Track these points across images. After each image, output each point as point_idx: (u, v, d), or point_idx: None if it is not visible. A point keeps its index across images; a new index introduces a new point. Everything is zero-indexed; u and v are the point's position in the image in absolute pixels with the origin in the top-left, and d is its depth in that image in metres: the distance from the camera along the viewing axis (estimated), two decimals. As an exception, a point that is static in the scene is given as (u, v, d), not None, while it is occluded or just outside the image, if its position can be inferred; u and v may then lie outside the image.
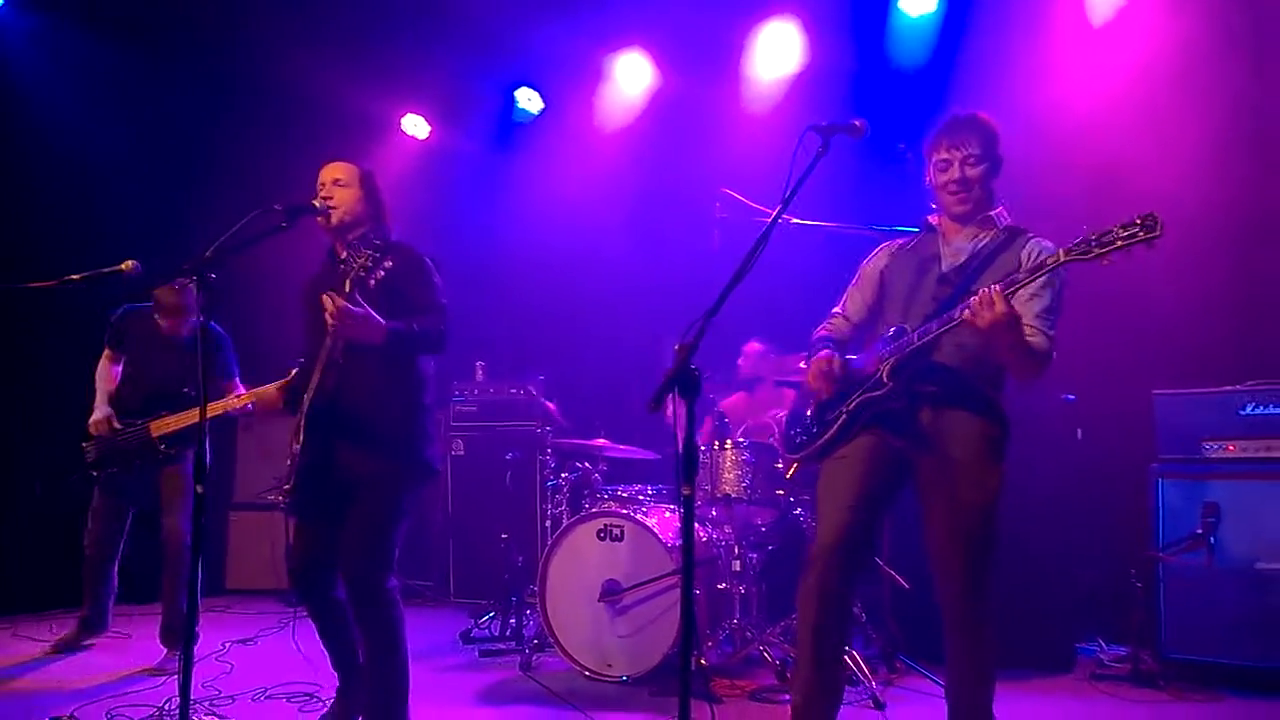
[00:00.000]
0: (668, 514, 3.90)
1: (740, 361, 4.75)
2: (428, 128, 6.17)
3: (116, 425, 3.98)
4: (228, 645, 4.28)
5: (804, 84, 5.22)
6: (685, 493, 1.92)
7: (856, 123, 2.31)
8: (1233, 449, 3.62)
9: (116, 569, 4.24)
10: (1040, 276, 2.32)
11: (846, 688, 3.50)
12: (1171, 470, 3.70)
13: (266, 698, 3.44)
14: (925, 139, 2.64)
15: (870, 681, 3.40)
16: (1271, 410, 3.58)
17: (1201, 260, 4.03)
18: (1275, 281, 4.06)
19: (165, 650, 3.99)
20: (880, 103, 4.81)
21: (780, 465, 3.98)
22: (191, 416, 3.88)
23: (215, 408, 3.90)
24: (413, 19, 5.39)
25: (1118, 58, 4.40)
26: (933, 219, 2.72)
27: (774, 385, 4.72)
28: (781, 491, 3.95)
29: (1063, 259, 2.25)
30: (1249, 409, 3.62)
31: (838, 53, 5.14)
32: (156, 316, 4.11)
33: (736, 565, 3.85)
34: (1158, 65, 4.27)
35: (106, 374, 4.15)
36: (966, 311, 2.31)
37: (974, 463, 2.47)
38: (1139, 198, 3.93)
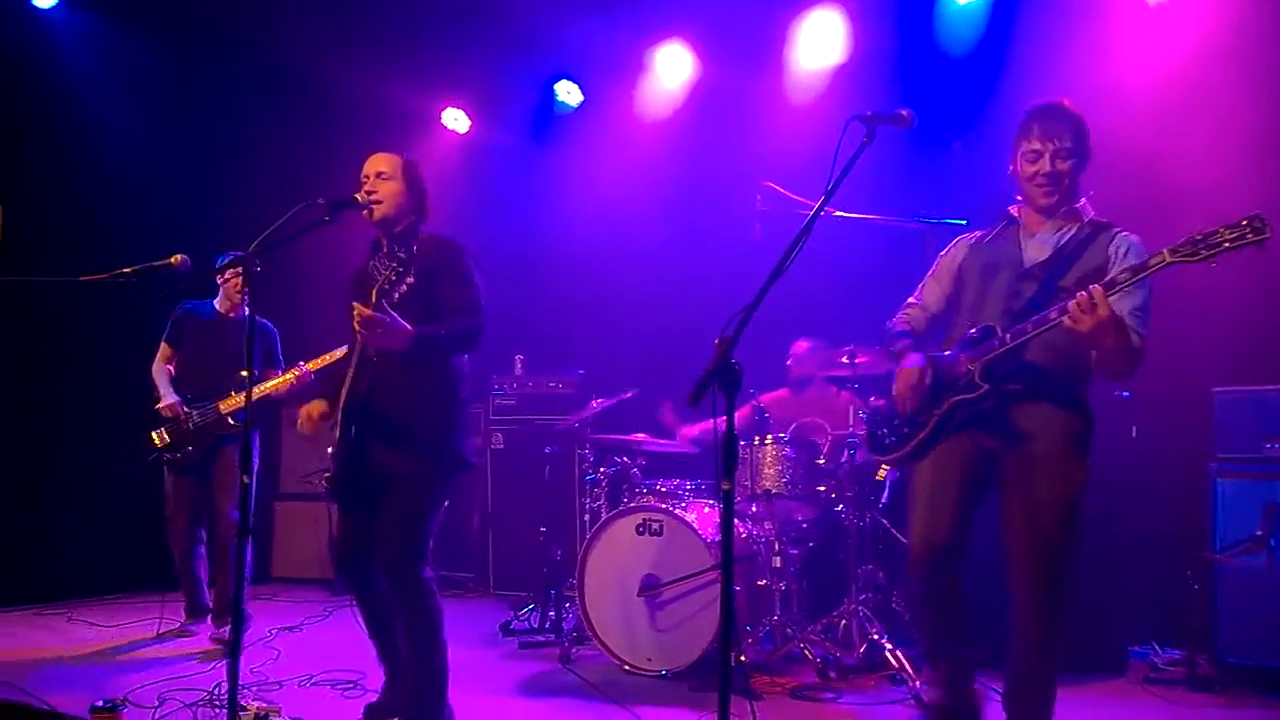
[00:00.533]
0: (707, 509, 3.88)
1: (790, 363, 4.67)
2: (468, 122, 6.19)
3: (188, 410, 4.21)
4: (274, 632, 4.37)
5: (848, 74, 5.12)
6: (725, 487, 1.89)
7: (903, 113, 2.25)
8: (1295, 449, 3.49)
9: (204, 549, 4.40)
10: (1140, 278, 2.26)
11: (889, 686, 3.48)
12: (1230, 469, 3.58)
13: (312, 684, 3.50)
14: (1019, 127, 2.57)
15: (914, 680, 3.35)
16: (1336, 408, 3.44)
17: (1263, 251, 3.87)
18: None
19: (215, 627, 4.23)
20: (927, 92, 4.71)
21: (822, 461, 3.93)
22: (257, 391, 4.02)
23: (274, 385, 4.15)
24: (452, 13, 5.40)
25: (1171, 40, 4.24)
26: (1014, 210, 2.67)
27: (823, 381, 4.65)
28: (823, 488, 3.90)
29: (1168, 260, 2.20)
30: (1312, 407, 3.49)
31: (883, 41, 5.04)
32: (220, 296, 4.42)
33: (777, 561, 3.81)
34: (1212, 47, 4.11)
35: (163, 368, 4.37)
36: (1066, 318, 2.27)
37: (1057, 457, 2.44)
38: (1194, 185, 3.81)
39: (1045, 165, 2.50)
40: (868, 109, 2.23)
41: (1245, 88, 4.05)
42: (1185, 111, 4.12)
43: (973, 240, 2.75)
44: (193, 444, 4.20)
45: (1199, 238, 2.16)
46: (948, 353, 2.59)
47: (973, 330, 2.53)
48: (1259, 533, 3.42)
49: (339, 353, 3.65)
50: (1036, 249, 2.56)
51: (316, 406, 2.92)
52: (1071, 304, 2.25)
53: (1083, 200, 2.57)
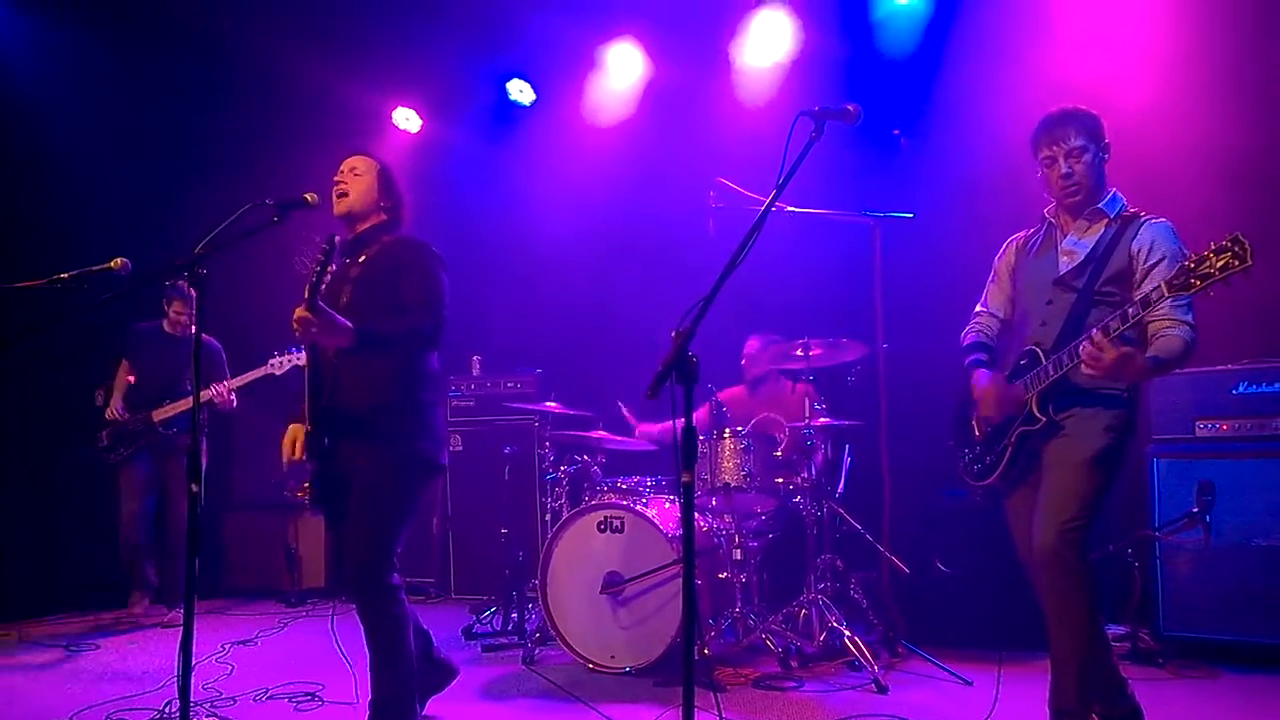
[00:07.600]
0: (667, 504, 3.90)
1: (744, 364, 4.70)
2: (419, 121, 6.13)
3: (125, 415, 4.88)
4: (228, 646, 4.27)
5: (796, 71, 5.19)
6: (685, 480, 1.91)
7: (850, 107, 2.28)
8: (1226, 428, 3.64)
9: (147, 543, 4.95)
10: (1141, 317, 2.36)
11: (848, 672, 3.54)
12: (1166, 450, 3.73)
13: (268, 698, 3.43)
14: (1031, 139, 2.67)
15: (873, 666, 3.41)
16: (1264, 388, 3.60)
17: (1193, 236, 4.02)
18: (1268, 257, 4.05)
19: (167, 610, 4.88)
20: (873, 88, 4.80)
21: (779, 454, 3.97)
22: (187, 403, 4.73)
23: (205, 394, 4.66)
24: (402, 11, 5.36)
25: (1110, 38, 4.37)
26: (1048, 212, 2.76)
27: (777, 375, 4.69)
28: (781, 480, 3.94)
29: (1166, 294, 2.29)
30: (1241, 388, 3.64)
31: (830, 38, 5.12)
32: (168, 311, 4.99)
33: (737, 554, 3.85)
34: (1152, 43, 4.25)
35: (123, 379, 5.02)
36: (1084, 367, 2.40)
37: (1088, 433, 2.53)
38: (1142, 176, 3.95)
39: (1062, 167, 2.61)
40: (815, 104, 2.27)
41: (1186, 87, 4.18)
42: (1127, 107, 4.25)
43: (1020, 243, 2.85)
44: (126, 445, 4.88)
45: (1191, 265, 2.25)
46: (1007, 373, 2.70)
47: (1021, 360, 2.65)
48: (1195, 510, 3.56)
49: (256, 373, 4.51)
50: (1069, 254, 2.65)
51: (299, 434, 2.83)
52: (1083, 351, 2.38)
53: (1111, 193, 2.65)
